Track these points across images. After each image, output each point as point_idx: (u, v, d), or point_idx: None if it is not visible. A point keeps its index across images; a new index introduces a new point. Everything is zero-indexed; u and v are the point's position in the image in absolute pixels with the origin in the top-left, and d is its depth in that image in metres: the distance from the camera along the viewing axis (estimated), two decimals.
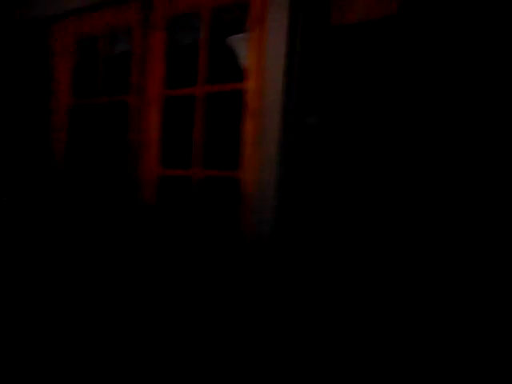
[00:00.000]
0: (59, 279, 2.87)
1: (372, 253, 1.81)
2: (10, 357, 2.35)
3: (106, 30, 2.94)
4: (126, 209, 2.76)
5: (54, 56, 3.21)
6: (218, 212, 2.50)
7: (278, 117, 2.04)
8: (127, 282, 2.63)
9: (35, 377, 2.25)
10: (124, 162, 2.90)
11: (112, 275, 2.70)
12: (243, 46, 2.57)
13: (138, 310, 2.52)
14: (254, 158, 2.21)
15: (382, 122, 1.85)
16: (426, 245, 1.69)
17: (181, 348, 2.32)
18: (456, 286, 1.64)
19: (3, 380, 2.17)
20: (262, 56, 2.24)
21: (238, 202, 2.41)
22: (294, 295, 2.01)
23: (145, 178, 2.73)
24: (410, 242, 1.73)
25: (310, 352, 1.88)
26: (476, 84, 1.67)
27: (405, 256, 1.73)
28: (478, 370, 1.57)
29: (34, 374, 2.27)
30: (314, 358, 1.88)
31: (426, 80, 1.75)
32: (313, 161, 2.02)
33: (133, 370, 2.39)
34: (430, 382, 1.63)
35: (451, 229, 1.66)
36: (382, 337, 1.73)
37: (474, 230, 1.62)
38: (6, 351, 2.39)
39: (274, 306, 2.05)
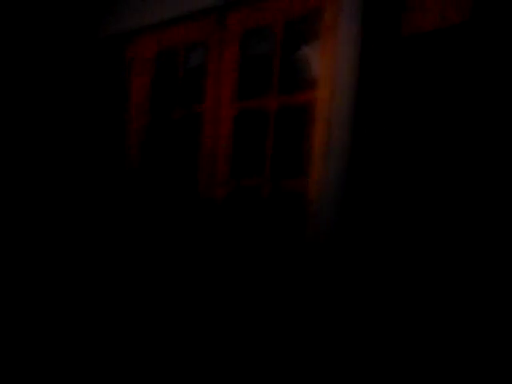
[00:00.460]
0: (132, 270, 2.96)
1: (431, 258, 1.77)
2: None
3: (183, 43, 3.05)
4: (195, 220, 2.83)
5: (132, 71, 3.36)
6: (284, 221, 2.52)
7: (347, 126, 2.05)
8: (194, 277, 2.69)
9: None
10: (193, 175, 2.98)
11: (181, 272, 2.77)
12: (314, 56, 2.59)
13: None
14: (322, 169, 2.22)
15: (455, 134, 1.82)
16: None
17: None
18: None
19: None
20: (333, 65, 2.26)
21: (304, 213, 2.41)
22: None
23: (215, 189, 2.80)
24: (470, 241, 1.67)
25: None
26: None
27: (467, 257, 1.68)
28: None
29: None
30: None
31: (506, 92, 1.70)
32: (378, 171, 2.01)
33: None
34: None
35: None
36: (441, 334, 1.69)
37: None
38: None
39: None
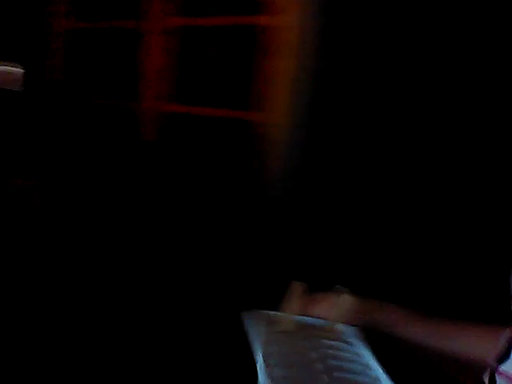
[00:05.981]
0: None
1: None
2: None
3: None
4: (126, 144, 2.60)
5: None
6: (226, 153, 2.36)
7: (312, 58, 1.86)
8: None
9: None
10: (125, 94, 2.71)
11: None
12: None
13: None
14: (279, 100, 2.04)
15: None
16: None
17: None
18: None
19: None
20: None
21: (249, 145, 2.25)
22: None
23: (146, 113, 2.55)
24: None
25: None
26: None
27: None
28: None
29: None
30: None
31: None
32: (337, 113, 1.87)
33: None
34: None
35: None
36: None
37: None
38: None
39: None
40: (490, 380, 0.80)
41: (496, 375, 0.79)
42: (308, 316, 0.94)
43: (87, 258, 2.53)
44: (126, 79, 2.74)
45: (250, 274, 2.06)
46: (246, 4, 2.33)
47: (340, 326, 0.92)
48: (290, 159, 1.99)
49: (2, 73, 3.06)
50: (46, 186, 2.90)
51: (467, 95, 1.66)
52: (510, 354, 0.79)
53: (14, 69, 3.10)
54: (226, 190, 2.29)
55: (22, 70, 3.08)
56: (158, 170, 2.49)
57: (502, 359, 0.79)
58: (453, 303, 1.56)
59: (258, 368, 0.76)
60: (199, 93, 2.56)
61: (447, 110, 1.70)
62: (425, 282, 1.70)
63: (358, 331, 0.92)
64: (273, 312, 0.94)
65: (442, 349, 0.90)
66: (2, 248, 2.56)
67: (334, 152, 1.91)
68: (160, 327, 2.20)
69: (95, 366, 2.12)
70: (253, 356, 0.80)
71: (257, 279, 2.02)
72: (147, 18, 2.56)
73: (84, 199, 2.76)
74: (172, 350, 2.11)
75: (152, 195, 2.49)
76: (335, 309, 0.93)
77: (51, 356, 2.15)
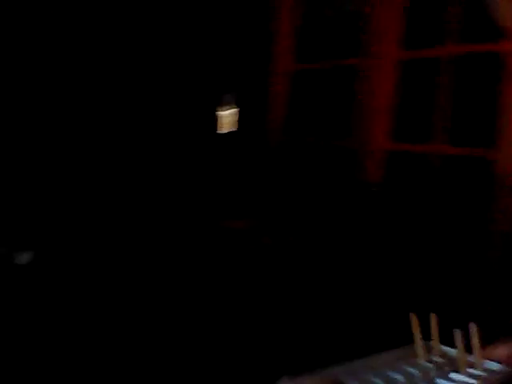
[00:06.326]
0: None
1: None
2: None
3: None
4: (347, 186, 2.48)
5: (276, 13, 2.99)
6: (461, 197, 2.10)
7: None
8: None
9: None
10: (348, 132, 2.60)
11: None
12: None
13: None
14: None
15: None
16: None
17: None
18: None
19: None
20: None
21: (489, 190, 1.97)
22: None
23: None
24: None
25: None
26: None
27: None
28: None
29: None
30: None
31: None
32: None
33: None
34: None
35: None
36: None
37: None
38: None
39: None
40: None
41: None
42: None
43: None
44: (345, 118, 2.64)
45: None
46: (485, 30, 2.09)
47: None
48: None
49: (229, 115, 3.17)
50: (264, 227, 2.90)
51: None
52: None
53: (233, 110, 3.19)
54: (460, 239, 2.03)
55: (236, 110, 3.15)
56: (382, 213, 2.32)
57: None
58: None
59: None
60: (424, 129, 2.36)
61: None
62: None
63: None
64: None
65: None
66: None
67: None
68: None
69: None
70: None
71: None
72: (371, 54, 2.44)
73: (302, 239, 2.69)
74: None
75: (376, 241, 2.32)
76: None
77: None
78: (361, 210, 2.39)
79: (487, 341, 1.04)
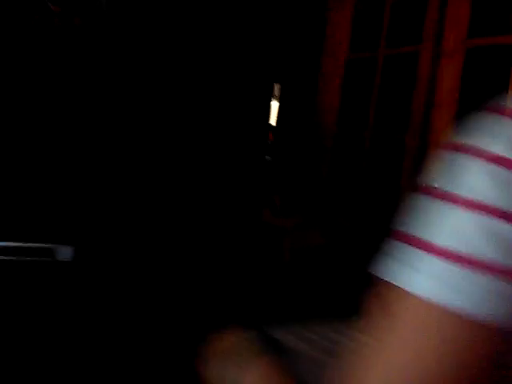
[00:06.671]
0: None
1: None
2: None
3: None
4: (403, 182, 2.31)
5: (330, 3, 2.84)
6: None
7: None
8: None
9: None
10: (404, 129, 2.43)
11: None
12: None
13: None
14: None
15: None
16: None
17: None
18: None
19: None
20: None
21: None
22: None
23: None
24: None
25: None
26: None
27: None
28: None
29: None
30: None
31: None
32: None
33: None
34: None
35: None
36: None
37: None
38: None
39: None
40: None
41: None
42: None
43: None
44: (404, 111, 2.47)
45: None
46: None
47: None
48: None
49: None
50: (315, 226, 2.77)
51: None
52: None
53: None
54: None
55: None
56: None
57: None
58: None
59: None
60: None
61: None
62: None
63: None
64: None
65: None
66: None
67: None
68: None
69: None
70: None
71: None
72: (439, 42, 2.26)
73: (358, 239, 2.54)
74: None
75: None
76: None
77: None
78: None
79: None
